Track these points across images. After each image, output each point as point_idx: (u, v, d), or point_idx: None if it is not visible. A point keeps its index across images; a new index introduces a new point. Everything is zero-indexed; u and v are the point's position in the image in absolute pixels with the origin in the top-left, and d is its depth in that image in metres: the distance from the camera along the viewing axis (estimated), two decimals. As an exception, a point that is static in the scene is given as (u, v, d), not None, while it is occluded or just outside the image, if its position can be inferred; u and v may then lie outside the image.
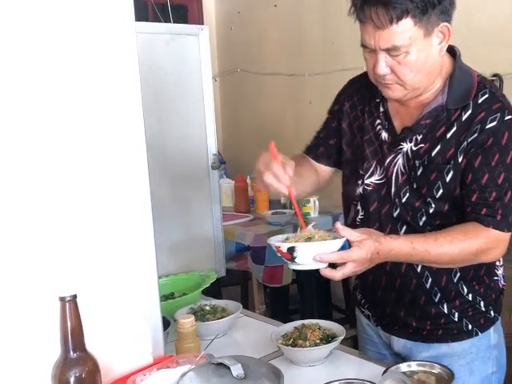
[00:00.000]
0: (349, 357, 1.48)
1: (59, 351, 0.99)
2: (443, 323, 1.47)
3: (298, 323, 1.54)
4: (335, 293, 3.61)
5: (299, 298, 3.37)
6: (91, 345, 1.02)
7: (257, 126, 4.43)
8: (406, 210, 1.41)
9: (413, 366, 1.26)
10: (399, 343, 1.54)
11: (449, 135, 1.36)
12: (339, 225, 1.28)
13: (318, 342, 1.44)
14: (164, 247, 2.08)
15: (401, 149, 1.42)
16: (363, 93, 1.51)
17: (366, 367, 1.40)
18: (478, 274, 1.46)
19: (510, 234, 1.36)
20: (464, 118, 1.35)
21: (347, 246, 1.28)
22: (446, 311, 1.46)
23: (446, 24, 1.29)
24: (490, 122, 1.32)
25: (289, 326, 1.54)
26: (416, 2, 1.23)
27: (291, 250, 1.25)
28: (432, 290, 1.44)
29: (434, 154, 1.37)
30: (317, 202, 3.31)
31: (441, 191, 1.36)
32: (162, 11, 3.96)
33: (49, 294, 1.03)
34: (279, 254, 1.28)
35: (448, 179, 1.35)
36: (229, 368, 1.04)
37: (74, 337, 0.98)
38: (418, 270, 1.43)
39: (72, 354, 0.99)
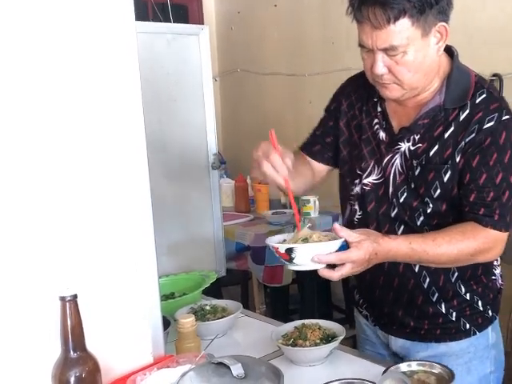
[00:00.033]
0: (349, 357, 1.48)
1: (59, 351, 1.00)
2: (441, 323, 1.47)
3: (298, 323, 1.54)
4: (335, 293, 3.61)
5: (299, 298, 3.37)
6: (91, 344, 1.02)
7: (257, 126, 4.42)
8: (404, 210, 1.41)
9: (413, 365, 1.26)
10: (397, 343, 1.54)
11: (446, 135, 1.36)
12: (337, 225, 1.28)
13: (318, 341, 1.44)
14: (164, 247, 2.08)
15: (398, 149, 1.42)
16: (361, 92, 1.51)
17: (366, 367, 1.40)
18: (476, 273, 1.46)
19: (507, 233, 1.37)
20: (462, 117, 1.35)
21: (345, 246, 1.28)
22: (443, 311, 1.46)
23: (444, 24, 1.30)
24: (488, 122, 1.32)
25: (289, 326, 1.54)
26: (413, 1, 1.23)
27: (289, 251, 1.25)
28: (430, 289, 1.45)
29: (431, 153, 1.37)
30: (317, 202, 3.31)
31: (438, 191, 1.36)
32: (162, 11, 3.96)
33: (49, 293, 1.03)
34: (277, 255, 1.28)
35: (446, 179, 1.36)
36: (229, 368, 1.04)
37: (74, 336, 0.98)
38: (416, 269, 1.43)
39: (72, 354, 0.99)
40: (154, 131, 2.06)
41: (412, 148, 1.40)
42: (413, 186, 1.40)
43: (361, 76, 1.48)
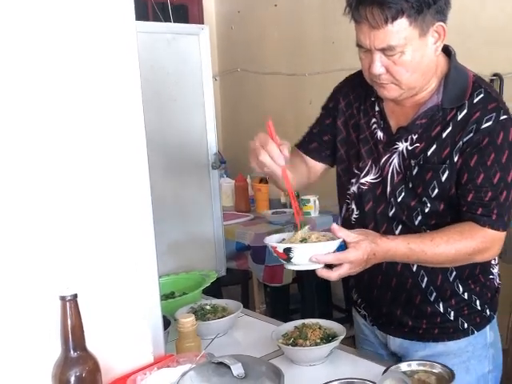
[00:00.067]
0: (349, 356, 1.48)
1: (59, 350, 1.00)
2: (439, 322, 1.47)
3: (298, 322, 1.54)
4: (335, 292, 3.61)
5: (299, 298, 3.37)
6: (92, 344, 1.02)
7: (257, 126, 4.40)
8: (402, 210, 1.41)
9: (413, 365, 1.26)
10: (395, 342, 1.54)
11: (444, 135, 1.36)
12: (335, 226, 1.28)
13: (319, 341, 1.44)
14: (164, 247, 2.08)
15: (396, 148, 1.42)
16: (359, 91, 1.51)
17: (366, 367, 1.40)
18: (474, 272, 1.46)
19: (505, 233, 1.37)
20: (459, 117, 1.35)
21: (344, 246, 1.28)
22: (441, 310, 1.46)
23: (442, 24, 1.30)
24: (486, 122, 1.32)
25: (289, 326, 1.54)
26: (411, 1, 1.23)
27: (287, 250, 1.25)
28: (428, 289, 1.45)
29: (429, 153, 1.37)
30: (317, 202, 3.31)
31: (436, 191, 1.37)
32: (162, 11, 3.97)
33: (49, 293, 1.03)
34: (275, 254, 1.28)
35: (443, 179, 1.36)
36: (229, 367, 1.04)
37: (74, 336, 0.98)
38: (414, 269, 1.44)
39: (72, 354, 0.99)
40: (154, 131, 2.05)
41: (410, 148, 1.40)
42: (410, 185, 1.40)
43: (358, 75, 1.47)
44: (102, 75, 1.12)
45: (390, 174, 1.43)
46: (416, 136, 1.39)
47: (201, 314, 1.67)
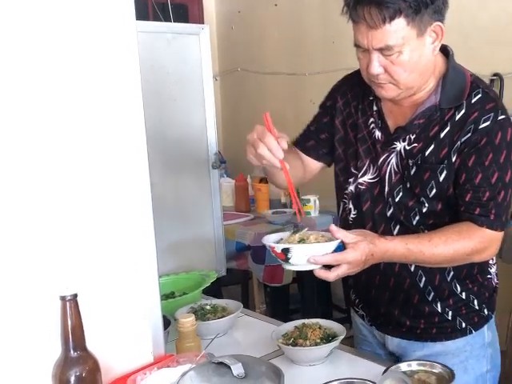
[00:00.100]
0: (349, 356, 1.48)
1: (60, 350, 1.00)
2: (437, 322, 1.47)
3: (298, 322, 1.54)
4: (335, 292, 3.61)
5: (300, 298, 3.38)
6: (92, 344, 1.02)
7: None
8: (400, 210, 1.42)
9: (413, 365, 1.25)
10: (393, 342, 1.54)
11: (442, 135, 1.36)
12: (334, 227, 1.28)
13: (319, 341, 1.44)
14: (164, 247, 2.08)
15: (394, 148, 1.42)
16: (356, 90, 1.51)
17: (366, 367, 1.40)
18: (472, 272, 1.46)
19: (502, 233, 1.37)
20: (457, 117, 1.35)
21: (342, 247, 1.28)
22: (439, 310, 1.46)
23: (439, 23, 1.30)
24: (484, 122, 1.32)
25: (289, 326, 1.54)
26: (409, 1, 1.23)
27: (286, 250, 1.25)
28: (425, 288, 1.45)
29: (427, 153, 1.37)
30: (317, 202, 3.31)
31: (434, 191, 1.37)
32: (163, 10, 3.97)
33: (49, 293, 1.03)
34: (273, 254, 1.28)
35: (441, 179, 1.36)
36: (229, 367, 1.04)
37: (74, 336, 0.98)
38: (412, 269, 1.44)
39: (72, 353, 0.99)
40: (155, 130, 2.06)
41: (408, 147, 1.40)
42: (408, 185, 1.40)
43: (357, 74, 1.47)
44: (103, 75, 1.12)
45: (387, 174, 1.43)
46: (414, 136, 1.39)
47: (201, 314, 1.67)
